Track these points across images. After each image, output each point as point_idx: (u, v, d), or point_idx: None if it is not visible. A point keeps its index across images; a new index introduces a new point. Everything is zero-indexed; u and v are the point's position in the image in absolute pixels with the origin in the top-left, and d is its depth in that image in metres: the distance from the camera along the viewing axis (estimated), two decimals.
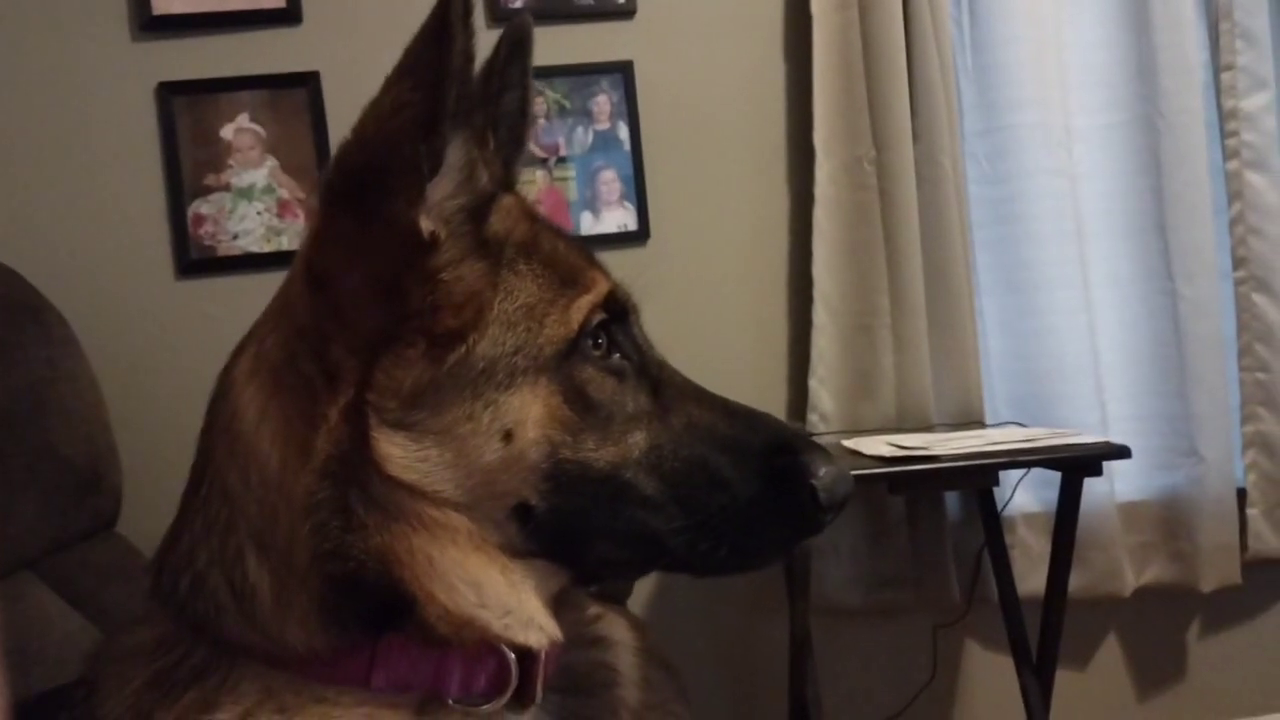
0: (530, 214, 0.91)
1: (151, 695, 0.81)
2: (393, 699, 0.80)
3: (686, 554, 0.85)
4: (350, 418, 0.79)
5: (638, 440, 0.85)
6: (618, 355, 0.88)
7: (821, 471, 0.86)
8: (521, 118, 0.97)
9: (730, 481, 0.85)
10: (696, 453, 0.86)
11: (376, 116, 0.77)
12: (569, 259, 0.89)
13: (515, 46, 0.95)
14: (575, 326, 0.84)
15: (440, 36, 0.75)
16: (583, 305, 0.85)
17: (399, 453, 0.78)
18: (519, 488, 0.81)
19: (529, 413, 0.81)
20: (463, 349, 0.80)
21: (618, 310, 0.89)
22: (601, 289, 0.88)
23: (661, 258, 2.42)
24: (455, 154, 0.81)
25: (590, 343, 0.86)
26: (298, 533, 0.78)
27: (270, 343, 0.84)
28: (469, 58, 0.78)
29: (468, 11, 0.76)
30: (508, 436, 0.80)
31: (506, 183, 0.91)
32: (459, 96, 0.77)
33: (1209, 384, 2.50)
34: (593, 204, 2.42)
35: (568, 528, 0.83)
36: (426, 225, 0.79)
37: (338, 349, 0.80)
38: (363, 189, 0.78)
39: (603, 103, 2.41)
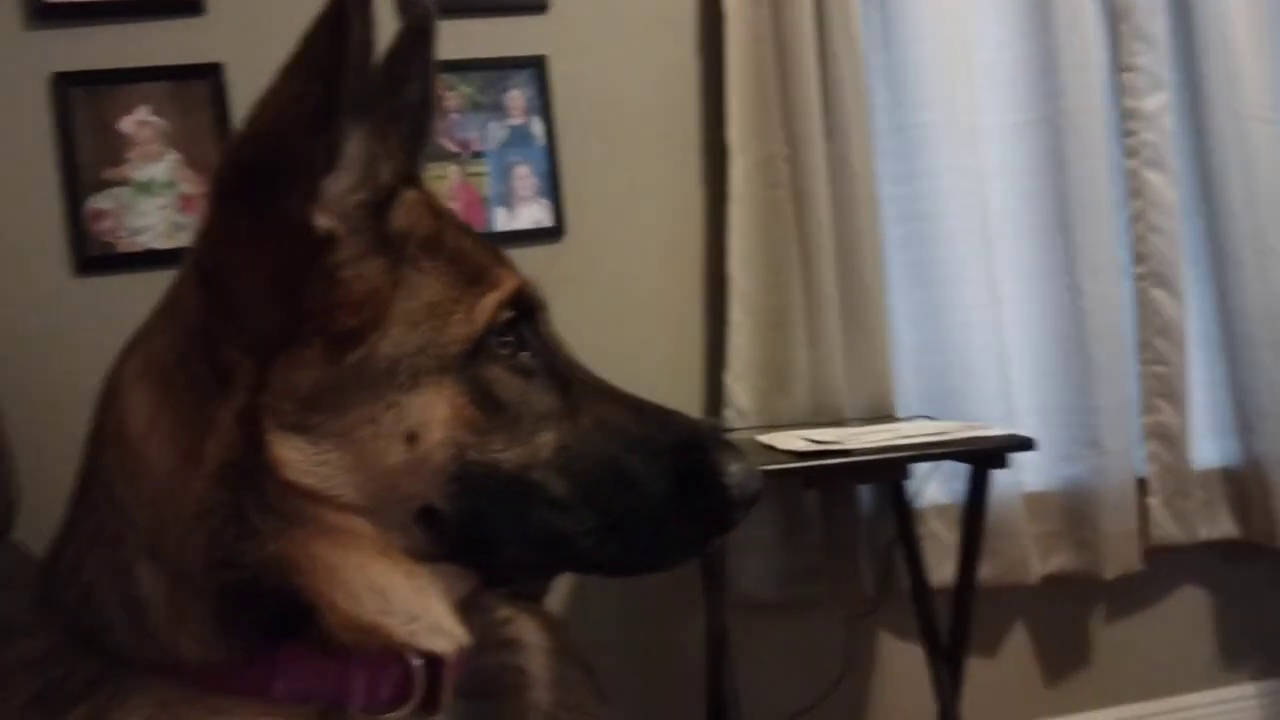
0: (435, 209, 0.88)
1: (37, 710, 0.78)
2: (293, 709, 0.78)
3: (597, 555, 0.84)
4: (244, 421, 0.76)
5: (546, 440, 0.84)
6: (526, 354, 0.86)
7: (731, 469, 0.85)
8: (425, 110, 0.94)
9: (640, 481, 0.85)
10: (606, 452, 0.85)
11: (270, 109, 0.75)
12: (475, 256, 0.87)
13: (417, 36, 0.93)
14: (481, 325, 0.82)
15: (336, 26, 0.73)
16: (489, 303, 0.83)
17: (297, 456, 0.76)
18: (424, 490, 0.80)
19: (433, 414, 0.79)
20: (363, 349, 0.78)
21: (526, 308, 0.87)
22: (509, 286, 0.86)
23: (577, 254, 2.41)
24: (354, 148, 0.79)
25: (497, 341, 0.84)
26: (190, 541, 0.75)
27: (159, 343, 0.81)
28: (367, 48, 0.76)
29: (365, 0, 0.74)
30: (411, 439, 0.79)
31: (409, 177, 0.88)
32: (358, 89, 0.75)
33: (1111, 377, 2.56)
34: (507, 200, 2.39)
35: (475, 531, 0.81)
36: (323, 221, 0.77)
37: (231, 350, 0.77)
38: (255, 184, 0.75)
39: (516, 98, 2.39)
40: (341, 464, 0.77)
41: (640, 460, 0.85)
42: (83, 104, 2.19)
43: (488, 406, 0.82)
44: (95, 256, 2.19)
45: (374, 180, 0.81)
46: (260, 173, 0.75)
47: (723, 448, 0.88)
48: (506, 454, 0.82)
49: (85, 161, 2.19)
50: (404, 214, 0.84)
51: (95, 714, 0.77)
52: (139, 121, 2.21)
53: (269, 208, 0.76)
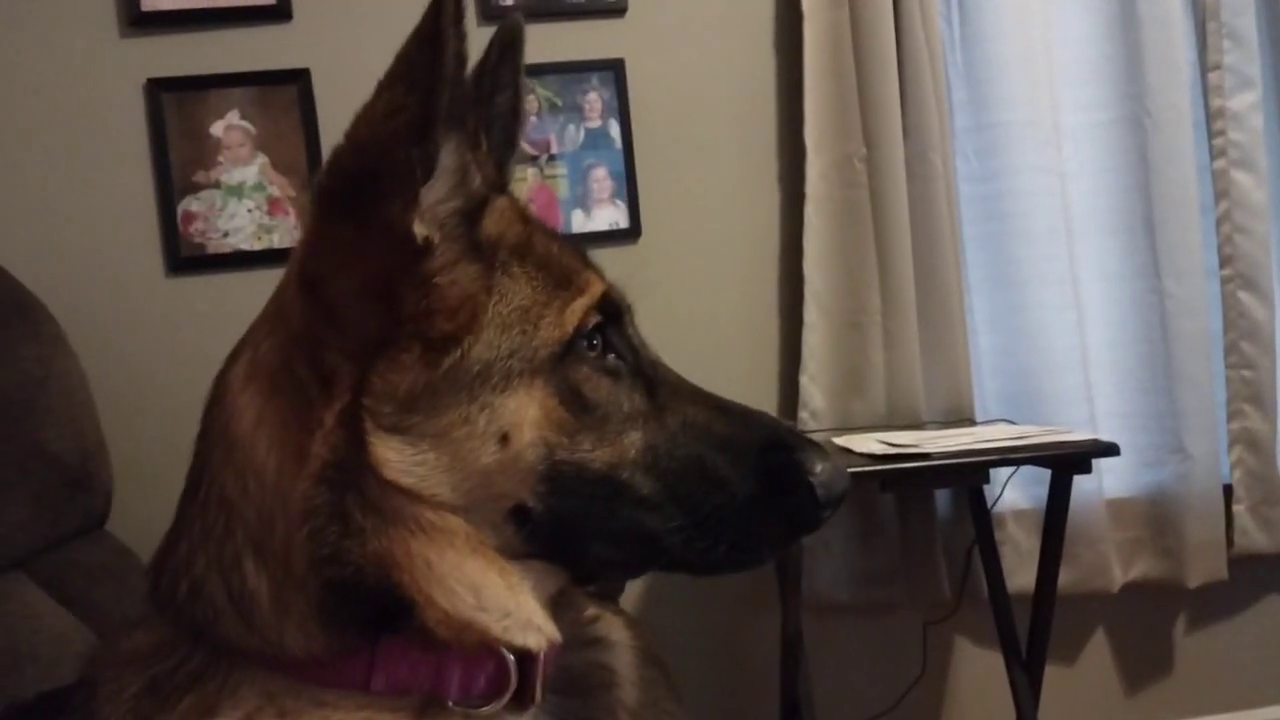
0: (523, 216, 0.90)
1: (150, 700, 0.81)
2: (393, 702, 0.80)
3: (684, 553, 0.85)
4: (346, 422, 0.79)
5: (634, 440, 0.85)
6: (612, 356, 0.88)
7: (818, 468, 0.86)
8: (514, 118, 0.97)
9: (727, 480, 0.85)
10: (693, 452, 0.86)
11: (369, 121, 0.77)
12: (563, 261, 0.89)
13: (507, 47, 0.95)
14: (570, 329, 0.84)
15: (432, 40, 0.74)
16: (577, 308, 0.85)
17: (395, 457, 0.78)
18: (516, 490, 0.81)
19: (525, 415, 0.81)
20: (458, 352, 0.80)
21: (612, 311, 0.89)
22: (596, 291, 0.87)
23: (653, 255, 2.43)
24: (448, 157, 0.81)
25: (585, 344, 0.86)
26: (295, 538, 0.78)
27: (265, 348, 0.84)
28: (461, 61, 0.77)
29: (459, 14, 0.76)
30: (504, 439, 0.80)
31: (499, 184, 0.90)
32: (452, 99, 0.77)
33: (1196, 381, 2.51)
34: (584, 202, 2.42)
35: (565, 529, 0.83)
36: (420, 229, 0.79)
37: (333, 354, 0.80)
38: (356, 194, 0.78)
39: (594, 100, 2.41)
40: (438, 464, 0.79)
41: (726, 459, 0.86)
42: (174, 109, 2.26)
43: (577, 408, 0.84)
44: (187, 258, 2.26)
45: (467, 189, 0.83)
46: (361, 182, 0.77)
47: (808, 447, 0.88)
48: (595, 454, 0.84)
49: (177, 165, 2.26)
50: (495, 221, 0.86)
51: (204, 704, 0.80)
52: (229, 125, 2.28)
53: (370, 216, 0.78)
